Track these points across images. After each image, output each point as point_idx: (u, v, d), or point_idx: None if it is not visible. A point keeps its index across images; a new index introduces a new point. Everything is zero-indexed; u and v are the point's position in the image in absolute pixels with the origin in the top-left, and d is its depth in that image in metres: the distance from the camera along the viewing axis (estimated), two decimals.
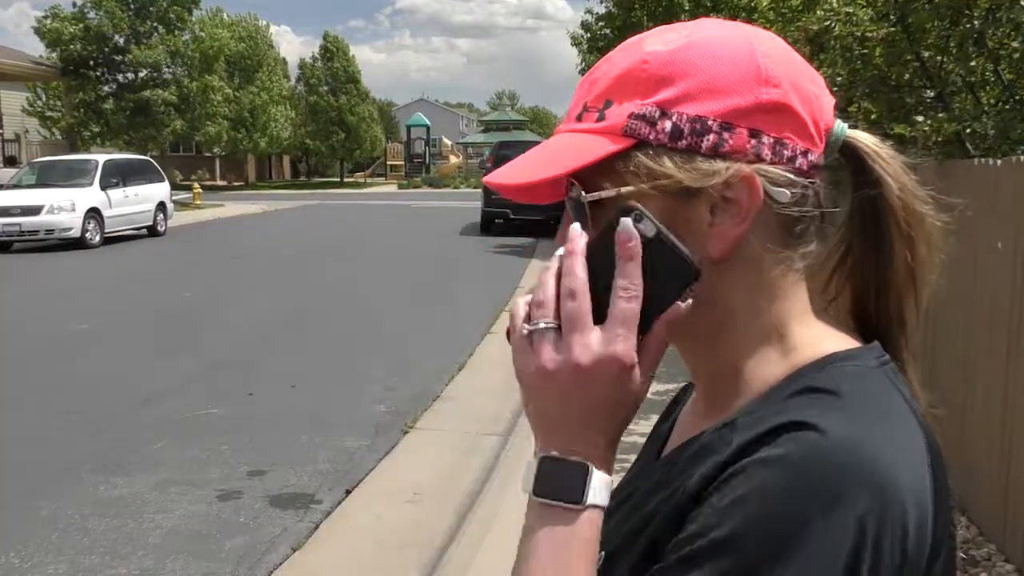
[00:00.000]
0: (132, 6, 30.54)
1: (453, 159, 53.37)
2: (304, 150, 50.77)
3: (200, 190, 28.82)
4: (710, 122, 0.63)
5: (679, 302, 0.63)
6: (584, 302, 0.62)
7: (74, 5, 30.54)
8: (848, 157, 0.70)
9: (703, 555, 0.57)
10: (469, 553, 3.81)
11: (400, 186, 44.91)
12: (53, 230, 15.67)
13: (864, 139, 0.70)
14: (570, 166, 0.65)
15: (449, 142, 58.69)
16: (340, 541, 4.10)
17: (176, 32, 31.40)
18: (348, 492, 4.60)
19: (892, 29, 5.20)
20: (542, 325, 0.62)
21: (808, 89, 0.66)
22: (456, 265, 14.08)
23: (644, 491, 0.70)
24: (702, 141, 0.63)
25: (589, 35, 20.52)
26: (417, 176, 47.91)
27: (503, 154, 19.79)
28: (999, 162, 3.74)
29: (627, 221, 0.61)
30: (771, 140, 0.64)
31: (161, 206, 18.80)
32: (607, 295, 0.61)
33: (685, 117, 0.64)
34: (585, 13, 20.05)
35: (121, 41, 30.42)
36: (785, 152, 0.64)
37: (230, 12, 43.36)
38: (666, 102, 0.64)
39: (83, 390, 6.53)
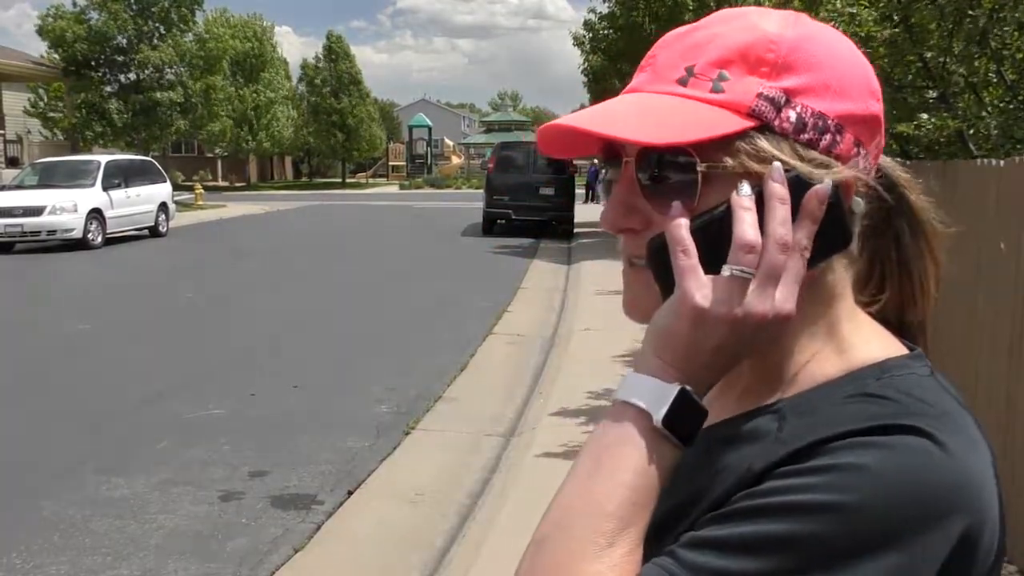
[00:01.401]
0: (134, 7, 30.58)
1: (455, 160, 53.43)
2: (306, 151, 50.82)
3: (202, 190, 28.86)
4: (830, 121, 0.64)
5: (821, 263, 0.64)
6: (790, 259, 0.61)
7: (75, 5, 30.58)
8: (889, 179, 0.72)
9: (788, 510, 0.56)
10: (471, 554, 3.80)
11: (402, 187, 44.96)
12: (55, 231, 15.68)
13: (894, 166, 0.72)
14: (698, 135, 0.62)
15: (451, 143, 58.78)
16: (341, 542, 4.09)
17: (178, 33, 31.43)
18: (350, 493, 4.59)
19: (895, 30, 5.20)
20: (745, 272, 0.61)
21: (884, 108, 0.69)
22: (458, 265, 14.08)
23: (685, 465, 0.69)
24: (821, 138, 0.64)
25: (591, 35, 20.54)
26: (419, 177, 47.98)
27: (505, 154, 19.80)
28: (1002, 162, 3.73)
29: (829, 183, 0.62)
30: (864, 152, 0.66)
31: (163, 207, 18.79)
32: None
33: (810, 111, 0.64)
34: (588, 13, 20.07)
35: (124, 42, 30.45)
36: (868, 166, 0.67)
37: (234, 13, 43.33)
38: (791, 90, 0.64)
39: (85, 390, 6.53)
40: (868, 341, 0.68)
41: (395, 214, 26.30)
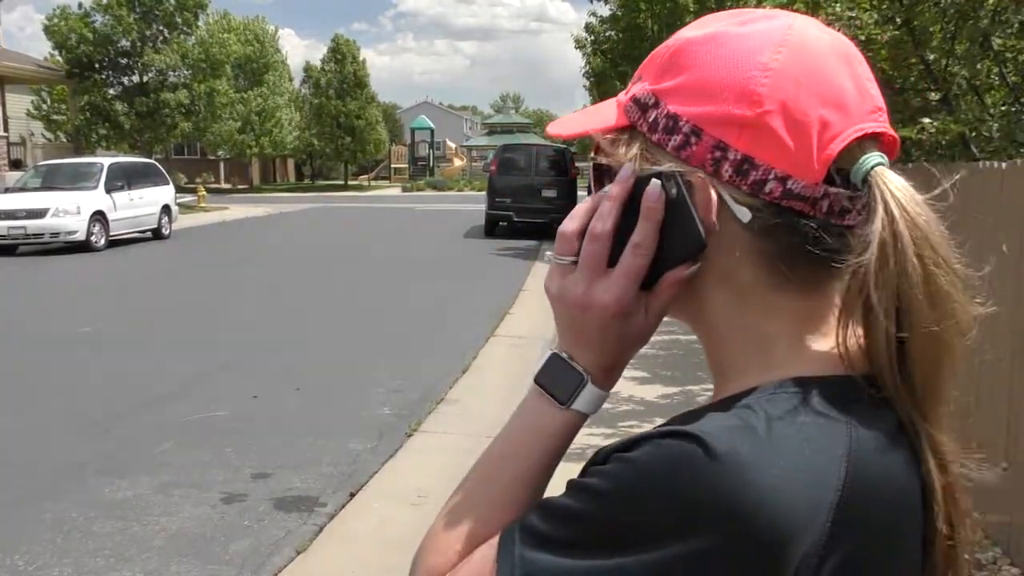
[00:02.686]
0: (138, 9, 30.66)
1: (457, 162, 53.44)
2: (309, 153, 50.84)
3: (205, 193, 28.90)
4: (682, 123, 0.63)
5: (686, 265, 0.65)
6: (604, 249, 0.65)
7: (80, 7, 30.68)
8: (870, 196, 0.62)
9: (580, 489, 0.60)
10: None
11: (404, 189, 44.96)
12: (58, 233, 15.70)
13: (884, 180, 0.61)
14: (575, 131, 0.71)
15: (453, 145, 58.81)
16: (343, 544, 4.10)
17: (182, 36, 31.52)
18: (352, 495, 4.60)
19: (897, 32, 5.20)
20: (559, 260, 0.68)
21: (811, 114, 0.61)
22: (459, 267, 14.09)
23: None
24: (669, 140, 0.64)
25: (593, 38, 20.58)
26: (421, 179, 47.96)
27: (507, 157, 19.81)
28: (1004, 165, 3.73)
29: (657, 183, 0.64)
30: (737, 157, 0.61)
31: (166, 209, 18.82)
32: (622, 244, 0.65)
33: (665, 112, 0.64)
34: (589, 16, 20.11)
35: (128, 44, 30.54)
36: (752, 173, 0.61)
37: (237, 15, 43.42)
38: (663, 91, 0.65)
39: (87, 392, 6.54)
40: (793, 361, 0.63)
41: (397, 216, 26.32)
